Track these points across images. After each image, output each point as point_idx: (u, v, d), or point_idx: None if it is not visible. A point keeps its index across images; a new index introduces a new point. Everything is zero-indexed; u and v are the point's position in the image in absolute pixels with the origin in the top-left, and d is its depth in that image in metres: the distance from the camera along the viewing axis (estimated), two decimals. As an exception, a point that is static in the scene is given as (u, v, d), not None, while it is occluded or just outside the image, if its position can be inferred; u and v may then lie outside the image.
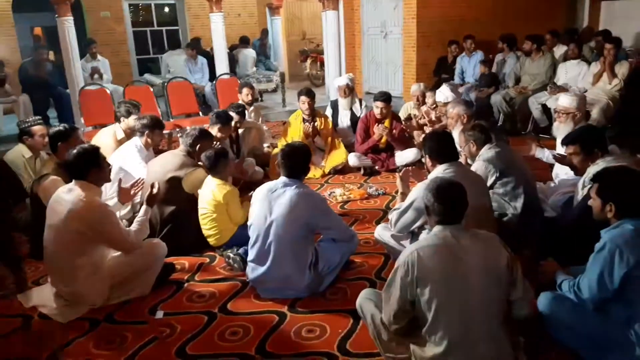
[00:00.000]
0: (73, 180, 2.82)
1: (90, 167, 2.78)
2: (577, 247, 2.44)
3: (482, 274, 1.96)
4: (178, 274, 3.20)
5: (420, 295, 1.97)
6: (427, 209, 2.13)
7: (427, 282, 1.95)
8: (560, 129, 3.77)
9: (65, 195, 2.77)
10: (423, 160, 3.20)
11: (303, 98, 5.31)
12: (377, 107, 5.18)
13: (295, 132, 5.36)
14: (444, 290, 1.94)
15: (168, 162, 3.67)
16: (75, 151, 2.83)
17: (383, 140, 5.28)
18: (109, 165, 3.04)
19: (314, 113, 5.36)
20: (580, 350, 2.20)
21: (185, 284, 3.08)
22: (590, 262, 2.10)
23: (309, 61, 10.92)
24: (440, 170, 2.90)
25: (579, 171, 3.06)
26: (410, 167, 3.46)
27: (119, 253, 2.90)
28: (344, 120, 6.02)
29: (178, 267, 3.26)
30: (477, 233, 2.10)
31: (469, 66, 7.21)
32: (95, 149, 2.87)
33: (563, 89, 5.75)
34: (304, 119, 5.36)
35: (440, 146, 2.95)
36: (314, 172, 5.18)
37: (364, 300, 2.36)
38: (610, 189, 2.15)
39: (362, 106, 5.98)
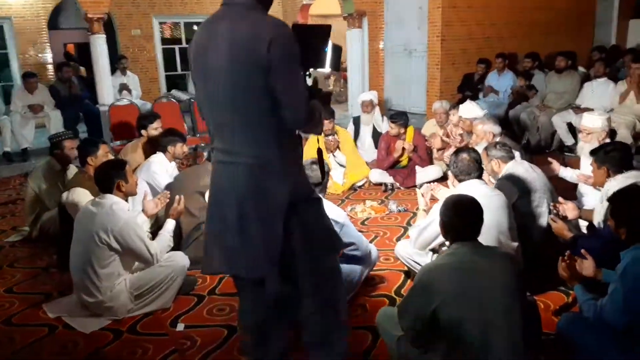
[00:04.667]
0: (100, 194, 2.92)
1: (116, 180, 2.86)
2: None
3: (499, 291, 1.95)
4: (200, 287, 3.25)
5: (438, 314, 1.96)
6: (443, 224, 2.13)
7: (443, 301, 1.94)
8: (585, 148, 3.72)
9: (93, 208, 2.86)
10: (445, 173, 3.19)
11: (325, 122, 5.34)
12: (392, 128, 5.23)
13: (315, 149, 5.38)
14: (461, 308, 1.92)
15: (194, 176, 3.76)
16: (102, 165, 2.92)
17: (405, 157, 5.30)
18: (136, 178, 3.12)
19: (334, 129, 5.39)
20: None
21: (206, 297, 3.12)
22: (613, 287, 2.06)
23: (332, 78, 11.01)
24: (464, 187, 2.90)
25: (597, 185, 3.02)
26: (432, 184, 3.45)
27: (142, 265, 2.96)
28: (366, 136, 6.06)
29: (199, 281, 3.30)
30: (493, 250, 2.09)
31: (500, 84, 7.17)
32: (122, 163, 2.96)
33: (588, 110, 5.67)
34: (326, 134, 5.39)
35: (465, 163, 2.95)
36: (334, 188, 5.21)
37: (382, 318, 2.36)
38: (622, 213, 2.11)
39: (384, 122, 6.01)
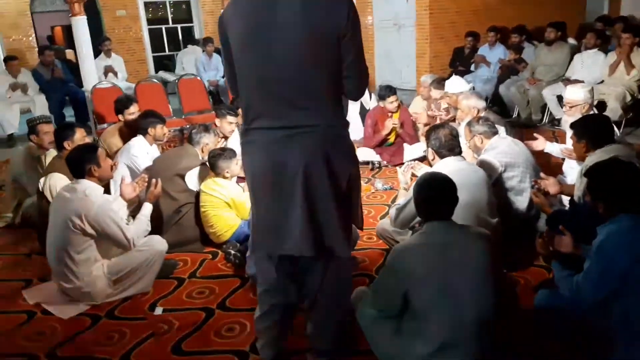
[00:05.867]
0: (74, 179, 2.87)
1: (87, 165, 2.80)
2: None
3: (472, 271, 1.92)
4: (180, 270, 3.22)
5: (408, 295, 1.94)
6: (416, 204, 2.10)
7: (414, 282, 1.92)
8: (569, 122, 3.66)
9: (66, 194, 2.82)
10: (424, 153, 3.14)
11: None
12: (392, 103, 5.12)
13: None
14: (432, 288, 1.89)
15: (174, 158, 3.71)
16: (73, 149, 2.87)
17: (392, 134, 5.24)
18: (112, 162, 3.07)
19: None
20: (580, 345, 2.14)
21: (187, 281, 3.10)
22: (588, 263, 2.03)
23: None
24: (442, 164, 2.86)
25: (578, 159, 2.97)
26: (412, 162, 3.41)
27: (120, 250, 2.93)
28: (353, 114, 5.98)
29: (180, 264, 3.28)
30: (467, 229, 2.06)
31: (491, 58, 7.06)
32: (93, 147, 2.90)
33: (578, 82, 5.59)
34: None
35: (442, 140, 2.91)
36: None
37: (357, 299, 2.34)
38: (597, 188, 2.07)
39: (372, 100, 5.93)
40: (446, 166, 2.80)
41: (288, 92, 1.77)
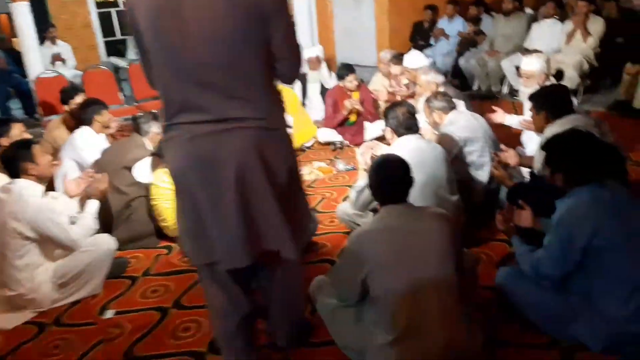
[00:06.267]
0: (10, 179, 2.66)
1: (21, 163, 2.60)
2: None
3: (431, 253, 1.85)
4: (134, 268, 3.06)
5: (367, 281, 1.86)
6: (371, 188, 2.00)
7: (373, 268, 1.84)
8: (527, 93, 3.61)
9: (2, 195, 2.61)
10: (383, 131, 3.04)
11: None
12: (352, 82, 4.99)
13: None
14: (390, 274, 1.82)
15: (121, 150, 3.51)
16: (7, 147, 2.65)
17: (353, 114, 5.12)
18: (52, 158, 2.86)
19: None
20: (541, 323, 2.10)
21: (140, 279, 2.95)
22: (548, 238, 1.98)
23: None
24: (400, 143, 2.78)
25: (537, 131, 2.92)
26: (371, 142, 3.31)
27: (66, 252, 2.75)
28: (314, 94, 5.84)
29: (132, 261, 3.12)
30: (424, 210, 1.98)
31: (450, 31, 6.97)
32: (27, 143, 2.69)
33: (536, 52, 5.56)
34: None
35: (399, 118, 2.81)
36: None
37: (315, 288, 2.26)
38: (556, 159, 2.02)
39: (332, 78, 5.78)
40: (404, 145, 2.71)
41: (214, 78, 1.55)
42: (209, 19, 1.50)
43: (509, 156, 2.99)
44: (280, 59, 1.64)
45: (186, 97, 1.58)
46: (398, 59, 5.02)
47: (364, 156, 3.14)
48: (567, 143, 2.03)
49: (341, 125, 5.16)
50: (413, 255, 1.82)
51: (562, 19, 5.94)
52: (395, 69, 5.09)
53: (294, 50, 1.68)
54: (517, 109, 5.17)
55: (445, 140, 3.14)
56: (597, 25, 5.42)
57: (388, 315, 1.84)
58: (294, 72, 1.74)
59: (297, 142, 5.09)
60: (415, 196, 2.53)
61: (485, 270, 2.58)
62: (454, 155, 3.14)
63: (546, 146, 2.10)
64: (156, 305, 2.65)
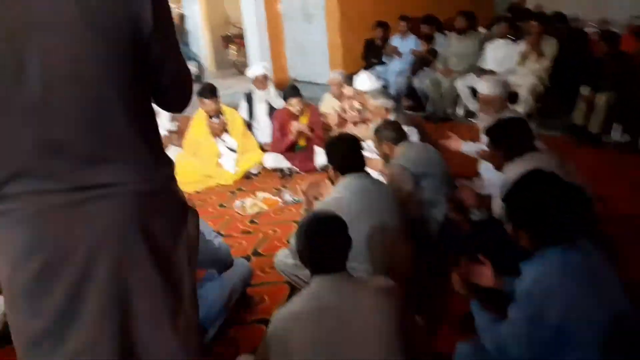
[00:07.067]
0: None
1: None
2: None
3: (372, 338, 1.51)
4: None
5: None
6: (299, 255, 1.65)
7: (303, 357, 1.48)
8: (484, 120, 3.37)
9: None
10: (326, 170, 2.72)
11: (205, 100, 4.64)
12: (293, 106, 4.66)
13: (200, 133, 4.73)
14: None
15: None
16: None
17: (302, 138, 4.78)
18: None
19: (219, 110, 4.72)
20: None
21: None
22: (514, 313, 1.66)
23: (233, 47, 10.23)
24: (344, 184, 2.45)
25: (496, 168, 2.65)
26: (316, 179, 2.98)
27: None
28: (261, 115, 5.46)
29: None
30: (363, 284, 1.64)
31: (402, 49, 6.76)
32: None
33: (491, 73, 5.39)
34: (210, 115, 4.71)
35: (343, 155, 2.49)
36: (225, 178, 4.62)
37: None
38: (519, 216, 1.72)
39: (278, 98, 5.42)
40: (348, 187, 2.39)
41: (65, 132, 1.09)
42: (60, 49, 1.06)
43: (466, 196, 2.71)
44: (166, 87, 1.24)
45: (26, 157, 1.10)
46: (351, 79, 4.73)
47: (307, 195, 2.80)
48: (531, 196, 1.73)
49: (290, 149, 4.81)
50: (347, 344, 1.47)
51: (516, 38, 5.82)
52: (348, 91, 4.80)
53: (183, 75, 1.29)
54: (473, 133, 4.96)
55: (396, 177, 2.84)
56: (550, 47, 5.32)
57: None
58: (184, 101, 1.34)
59: (242, 169, 4.72)
60: (362, 247, 2.23)
61: (445, 333, 2.27)
62: (406, 193, 2.84)
63: (507, 199, 1.80)
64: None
